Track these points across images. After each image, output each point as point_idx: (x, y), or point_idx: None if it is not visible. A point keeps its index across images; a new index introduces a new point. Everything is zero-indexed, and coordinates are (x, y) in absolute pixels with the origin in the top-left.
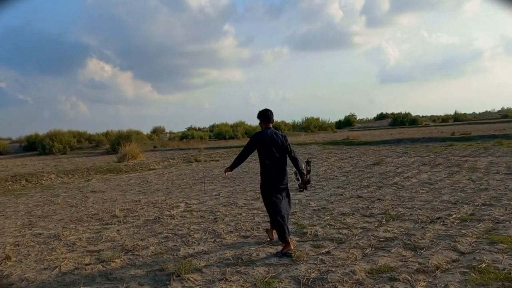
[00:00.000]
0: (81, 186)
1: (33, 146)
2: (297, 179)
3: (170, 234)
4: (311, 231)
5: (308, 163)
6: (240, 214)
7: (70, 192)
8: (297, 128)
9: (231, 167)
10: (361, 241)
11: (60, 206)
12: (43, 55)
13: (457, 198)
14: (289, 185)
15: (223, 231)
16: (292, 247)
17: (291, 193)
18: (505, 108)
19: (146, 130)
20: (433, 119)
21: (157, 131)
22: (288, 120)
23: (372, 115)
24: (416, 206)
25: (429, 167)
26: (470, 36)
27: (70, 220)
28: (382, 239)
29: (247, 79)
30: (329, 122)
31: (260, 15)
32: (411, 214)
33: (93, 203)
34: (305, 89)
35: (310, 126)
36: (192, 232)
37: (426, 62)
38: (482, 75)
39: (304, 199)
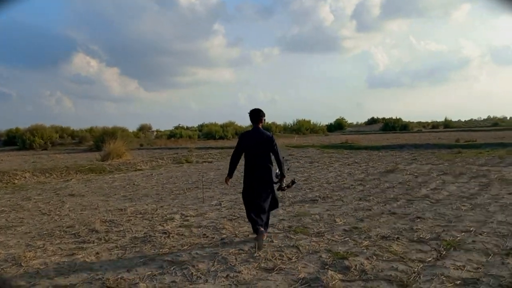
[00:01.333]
0: (58, 188)
1: (13, 140)
2: (276, 177)
3: (165, 263)
4: (355, 265)
5: (292, 182)
6: (252, 233)
7: (44, 194)
8: (288, 130)
9: (230, 173)
10: (431, 284)
11: (30, 213)
12: (28, 49)
13: None
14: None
15: (235, 259)
16: (264, 237)
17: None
18: (492, 116)
19: (133, 127)
20: (423, 125)
21: (143, 129)
22: (279, 122)
23: (359, 119)
24: (472, 229)
25: (452, 177)
26: (458, 45)
27: (39, 234)
28: (459, 282)
29: (236, 79)
30: (321, 125)
31: (250, 15)
32: (473, 241)
33: (69, 211)
34: (294, 91)
35: (302, 128)
36: (195, 260)
37: (414, 69)
38: (469, 83)
39: (325, 213)
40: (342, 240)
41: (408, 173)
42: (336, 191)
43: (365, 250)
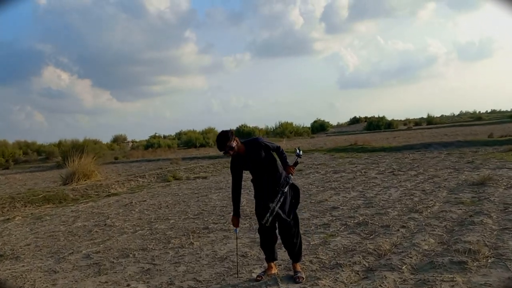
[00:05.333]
0: None
1: None
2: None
3: None
4: None
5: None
6: None
7: None
8: (271, 133)
9: (235, 212)
10: None
11: None
12: None
13: None
14: None
15: None
16: (273, 272)
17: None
18: (463, 111)
19: (107, 139)
20: (404, 122)
21: (118, 140)
22: (261, 126)
23: (333, 120)
24: None
25: None
26: (424, 43)
27: None
28: None
29: (209, 86)
30: (304, 127)
31: (221, 21)
32: None
33: None
34: (268, 95)
35: (286, 131)
36: None
37: (383, 68)
38: (437, 81)
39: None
40: None
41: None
42: (456, 228)
43: None
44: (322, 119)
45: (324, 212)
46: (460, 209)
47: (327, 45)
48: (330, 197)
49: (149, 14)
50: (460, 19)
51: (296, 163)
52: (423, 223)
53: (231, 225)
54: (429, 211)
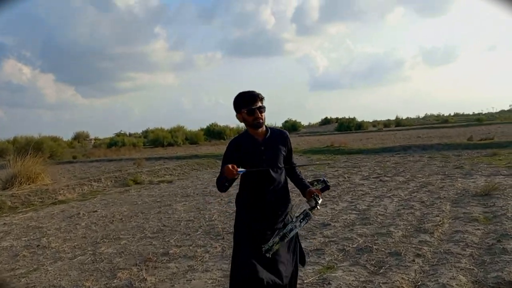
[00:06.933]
0: None
1: None
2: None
3: None
4: None
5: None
6: None
7: None
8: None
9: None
10: None
11: None
12: None
13: None
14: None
15: None
16: None
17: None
18: (428, 114)
19: (69, 136)
20: (373, 124)
21: (79, 137)
22: (232, 125)
23: (303, 120)
24: None
25: None
26: (392, 46)
27: None
28: None
29: (179, 83)
30: (276, 126)
31: (192, 18)
32: None
33: None
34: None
35: None
36: None
37: (353, 71)
38: (404, 83)
39: None
40: None
41: None
42: (489, 264)
43: None
44: (293, 119)
45: (314, 231)
46: (478, 228)
47: (298, 46)
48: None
49: (117, 8)
50: (426, 24)
51: (326, 188)
52: (441, 250)
53: (202, 243)
54: (440, 231)
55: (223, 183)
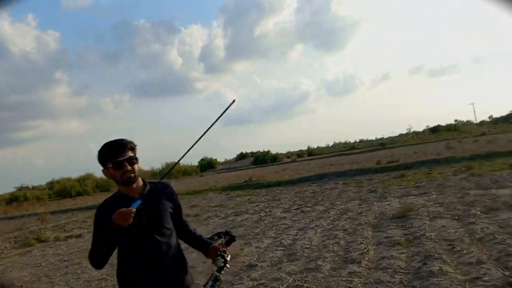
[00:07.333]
0: None
1: None
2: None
3: None
4: None
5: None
6: None
7: None
8: (158, 175)
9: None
10: None
11: None
12: None
13: None
14: None
15: None
16: None
17: None
18: (336, 142)
19: None
20: (287, 155)
21: None
22: (146, 167)
23: (220, 157)
24: None
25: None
26: (296, 81)
27: None
28: None
29: (86, 129)
30: (192, 165)
31: (96, 62)
32: None
33: None
34: (151, 136)
35: (173, 171)
36: None
37: (262, 105)
38: (310, 115)
39: None
40: None
41: (430, 216)
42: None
43: None
44: (209, 156)
45: (240, 274)
46: (402, 252)
47: (208, 84)
48: (241, 249)
49: (12, 55)
50: (326, 59)
51: (231, 239)
52: (371, 280)
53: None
54: (366, 259)
55: (106, 247)
